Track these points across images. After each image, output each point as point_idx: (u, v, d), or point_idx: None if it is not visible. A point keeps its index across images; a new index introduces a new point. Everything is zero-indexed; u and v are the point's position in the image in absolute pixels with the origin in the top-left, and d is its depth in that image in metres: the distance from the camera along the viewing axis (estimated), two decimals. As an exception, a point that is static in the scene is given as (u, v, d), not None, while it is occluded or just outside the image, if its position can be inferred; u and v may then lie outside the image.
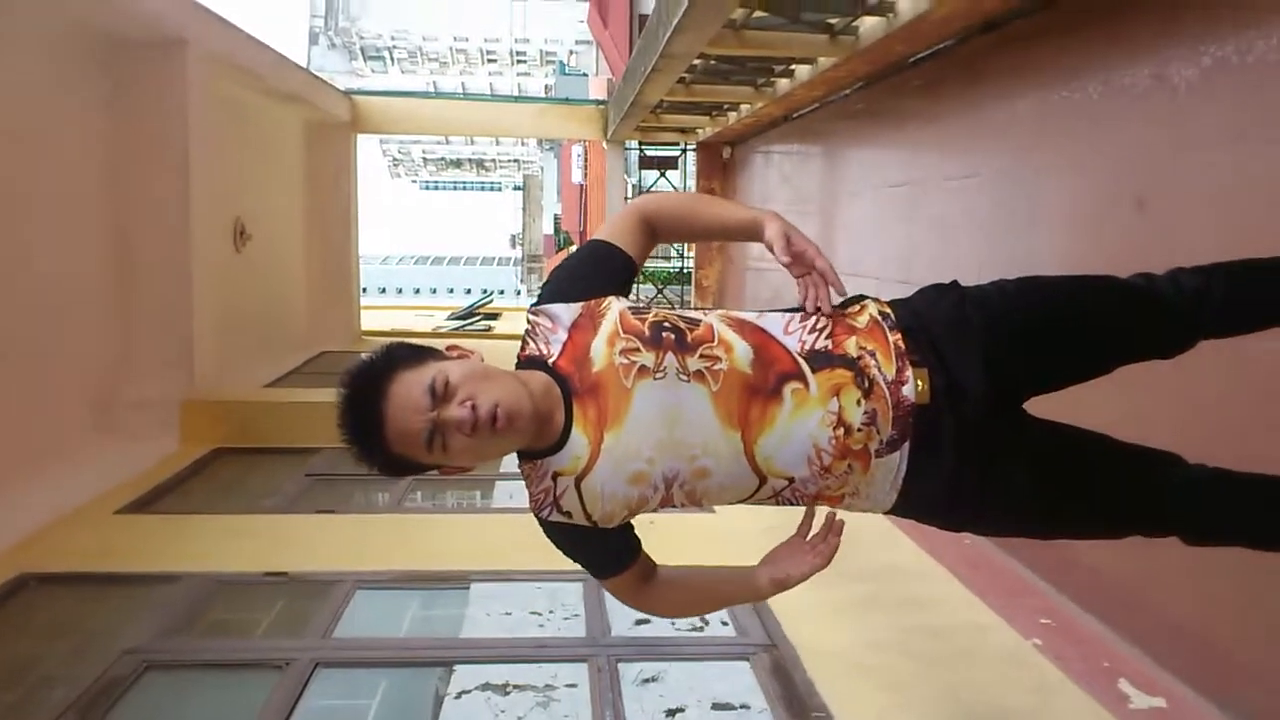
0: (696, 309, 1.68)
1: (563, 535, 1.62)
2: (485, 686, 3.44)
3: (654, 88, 7.90)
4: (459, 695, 3.41)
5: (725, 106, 9.47)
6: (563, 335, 1.58)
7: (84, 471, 5.56)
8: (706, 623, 3.98)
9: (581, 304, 1.59)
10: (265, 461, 6.49)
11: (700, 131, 11.32)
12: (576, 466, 1.54)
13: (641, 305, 1.60)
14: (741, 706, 3.32)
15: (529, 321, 1.63)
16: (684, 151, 13.59)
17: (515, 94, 33.58)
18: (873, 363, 1.57)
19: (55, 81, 6.06)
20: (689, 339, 1.53)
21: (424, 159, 57.91)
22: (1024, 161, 4.56)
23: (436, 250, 55.67)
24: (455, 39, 46.15)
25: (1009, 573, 4.26)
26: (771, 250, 1.61)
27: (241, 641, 3.94)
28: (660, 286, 15.14)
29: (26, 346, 5.56)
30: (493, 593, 4.27)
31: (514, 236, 48.63)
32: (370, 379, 1.51)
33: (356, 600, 4.10)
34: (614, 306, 1.57)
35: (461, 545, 4.86)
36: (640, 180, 16.78)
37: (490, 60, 46.86)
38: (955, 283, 1.75)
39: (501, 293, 36.17)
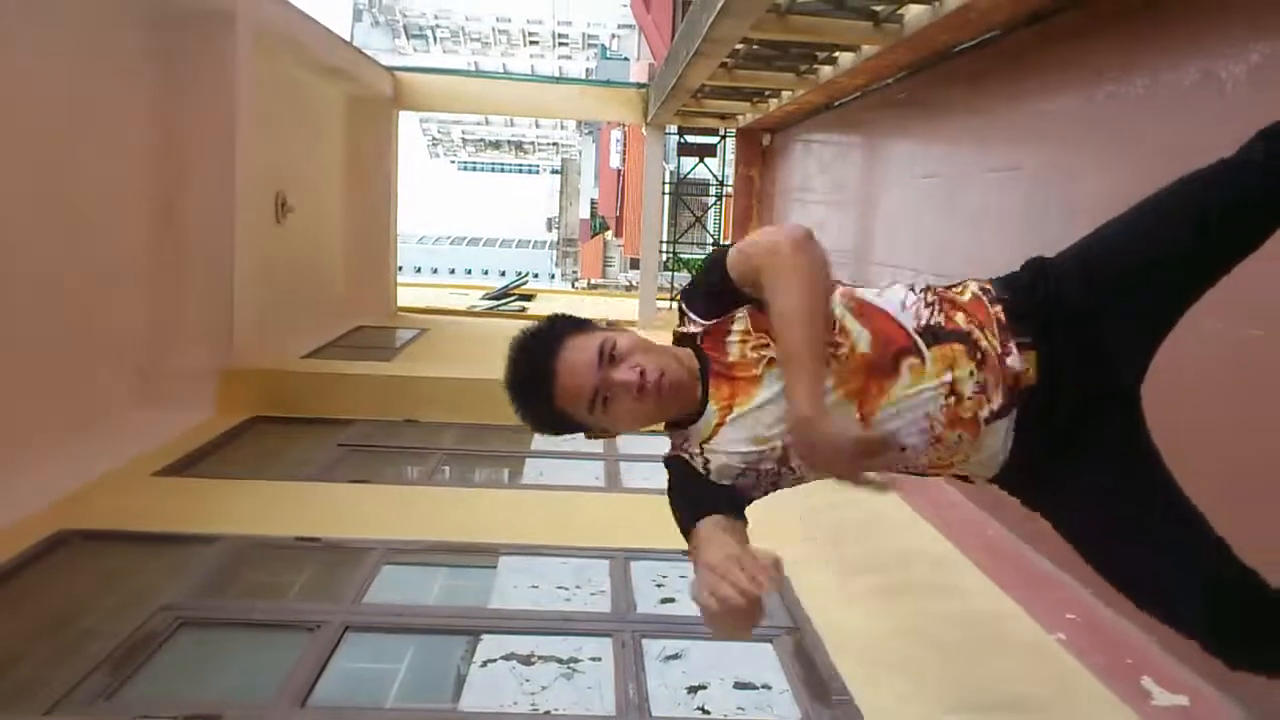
0: None
1: (679, 471, 1.75)
2: (510, 656, 3.49)
3: (696, 72, 7.89)
4: (485, 664, 3.46)
5: (767, 93, 9.45)
6: (702, 327, 1.71)
7: (124, 435, 5.68)
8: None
9: (715, 320, 1.70)
10: (300, 431, 6.59)
11: (740, 118, 11.30)
12: (703, 434, 1.68)
13: None
14: (763, 686, 3.35)
15: (680, 305, 1.78)
16: (723, 138, 13.56)
17: (556, 76, 33.55)
18: (982, 336, 1.63)
19: (104, 51, 6.15)
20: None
21: (463, 140, 58.03)
22: (1066, 156, 4.53)
23: (472, 231, 55.81)
24: (498, 20, 46.16)
25: (1034, 566, 4.25)
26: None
27: (274, 603, 4.01)
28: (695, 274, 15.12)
29: (71, 312, 5.66)
30: (520, 566, 4.32)
31: (550, 220, 48.67)
32: (543, 340, 1.65)
33: (386, 568, 4.17)
34: (743, 311, 1.67)
35: (491, 519, 4.92)
36: (679, 166, 16.77)
37: (532, 42, 46.84)
38: (1040, 258, 1.77)
39: (536, 275, 36.25)
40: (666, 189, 14.50)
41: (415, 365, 8.62)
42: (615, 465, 6.07)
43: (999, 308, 1.66)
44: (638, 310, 12.65)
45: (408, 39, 47.19)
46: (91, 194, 5.98)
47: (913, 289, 1.70)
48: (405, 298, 13.37)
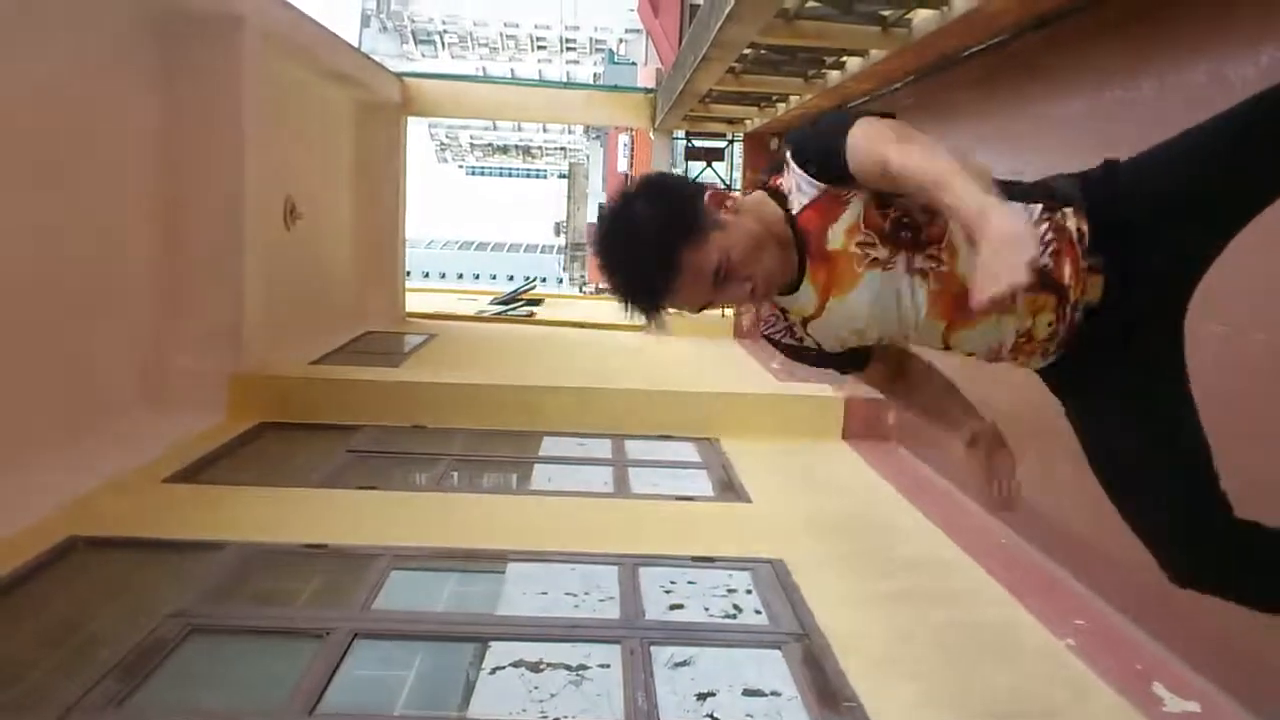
0: None
1: (793, 353, 1.90)
2: (519, 663, 3.48)
3: (703, 77, 7.89)
4: (493, 671, 3.45)
5: (774, 97, 9.44)
6: (805, 201, 1.69)
7: (133, 440, 5.69)
8: (740, 610, 4.00)
9: (826, 188, 1.66)
10: (309, 436, 6.59)
11: (748, 122, 11.29)
12: (804, 312, 1.75)
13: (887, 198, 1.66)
14: (773, 693, 3.34)
15: (790, 160, 1.70)
16: (731, 143, 13.56)
17: (564, 81, 33.57)
18: (1071, 290, 1.71)
19: (112, 56, 6.17)
20: (923, 236, 1.66)
21: (471, 144, 58.14)
22: (1074, 160, 4.49)
23: (480, 236, 55.93)
24: (505, 25, 46.24)
25: (1044, 572, 4.24)
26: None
27: (283, 610, 4.01)
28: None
29: (80, 317, 5.68)
30: (529, 573, 4.32)
31: (558, 224, 48.73)
32: (656, 253, 1.60)
33: (394, 575, 4.16)
34: (858, 199, 1.66)
35: (499, 525, 4.92)
36: (687, 171, 16.76)
37: (540, 47, 46.92)
38: (1115, 164, 1.86)
39: (544, 280, 36.28)
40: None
41: (424, 371, 8.63)
42: (624, 471, 6.06)
43: (1085, 228, 1.72)
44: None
45: (415, 44, 47.32)
46: (100, 200, 6.00)
47: (1041, 205, 1.74)
48: (413, 303, 13.38)
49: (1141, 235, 1.70)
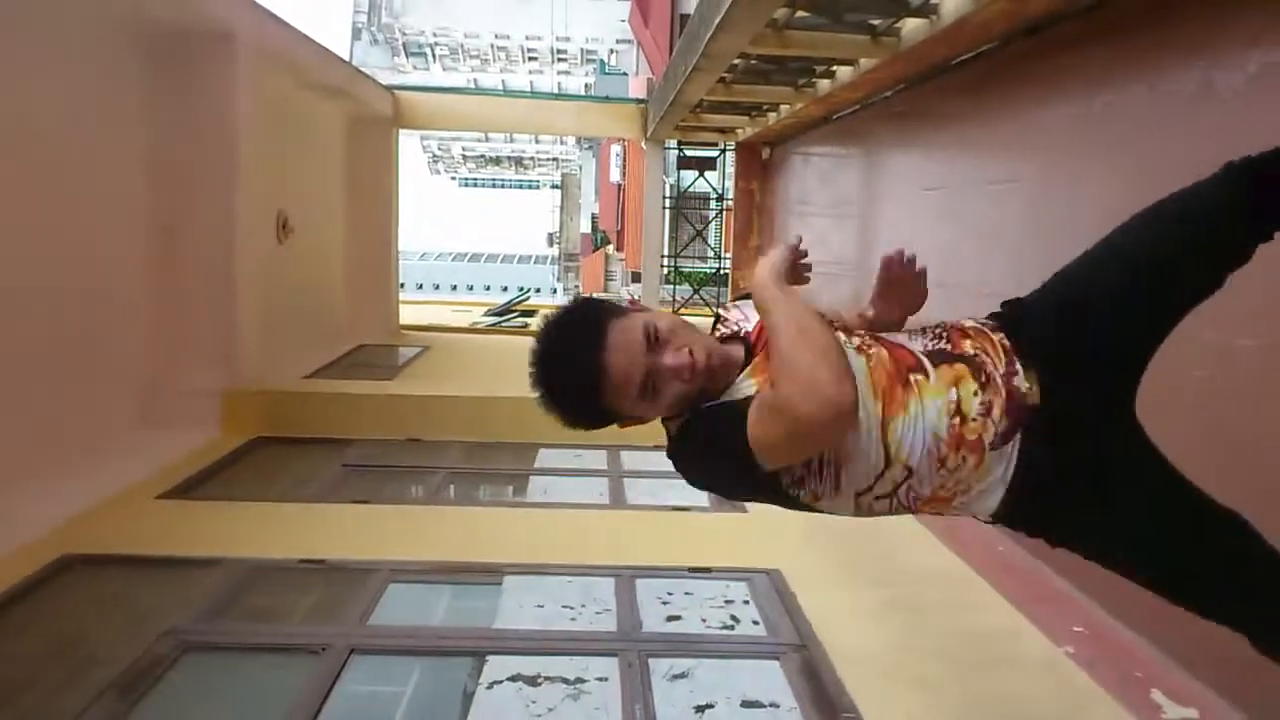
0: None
1: (712, 420, 1.66)
2: (516, 677, 3.47)
3: (694, 87, 7.91)
4: (491, 685, 3.44)
5: (765, 107, 9.46)
6: (753, 320, 1.74)
7: (128, 457, 5.67)
8: (738, 621, 4.00)
9: None
10: (304, 451, 6.58)
11: (740, 132, 11.31)
12: (741, 396, 1.65)
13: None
14: (771, 705, 3.33)
15: (718, 315, 1.84)
16: (723, 152, 13.58)
17: (555, 92, 33.61)
18: (987, 360, 1.66)
19: (103, 74, 6.17)
20: (849, 330, 1.73)
21: (463, 156, 58.18)
22: (1065, 167, 4.53)
23: (474, 247, 55.95)
24: (497, 36, 46.30)
25: (1043, 580, 4.23)
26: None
27: (279, 626, 3.99)
28: (696, 287, 15.13)
29: (74, 335, 5.67)
30: (525, 585, 4.30)
31: (551, 235, 48.75)
32: (581, 330, 1.61)
33: (391, 589, 4.15)
34: None
35: (495, 538, 4.91)
36: (679, 180, 16.79)
37: (531, 58, 46.98)
38: (1016, 299, 1.81)
39: (538, 290, 36.27)
40: (667, 203, 14.52)
41: (418, 384, 8.62)
42: (619, 482, 6.05)
43: (1001, 334, 1.72)
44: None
45: (407, 57, 47.34)
46: (93, 217, 5.99)
47: (924, 330, 1.76)
48: (407, 315, 13.36)
49: (1054, 349, 1.69)
